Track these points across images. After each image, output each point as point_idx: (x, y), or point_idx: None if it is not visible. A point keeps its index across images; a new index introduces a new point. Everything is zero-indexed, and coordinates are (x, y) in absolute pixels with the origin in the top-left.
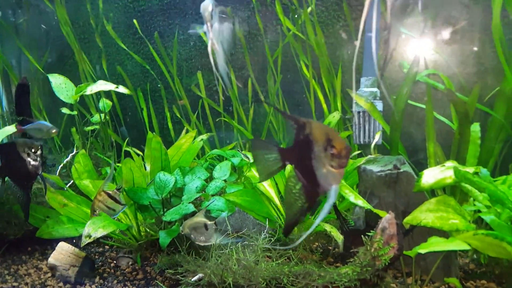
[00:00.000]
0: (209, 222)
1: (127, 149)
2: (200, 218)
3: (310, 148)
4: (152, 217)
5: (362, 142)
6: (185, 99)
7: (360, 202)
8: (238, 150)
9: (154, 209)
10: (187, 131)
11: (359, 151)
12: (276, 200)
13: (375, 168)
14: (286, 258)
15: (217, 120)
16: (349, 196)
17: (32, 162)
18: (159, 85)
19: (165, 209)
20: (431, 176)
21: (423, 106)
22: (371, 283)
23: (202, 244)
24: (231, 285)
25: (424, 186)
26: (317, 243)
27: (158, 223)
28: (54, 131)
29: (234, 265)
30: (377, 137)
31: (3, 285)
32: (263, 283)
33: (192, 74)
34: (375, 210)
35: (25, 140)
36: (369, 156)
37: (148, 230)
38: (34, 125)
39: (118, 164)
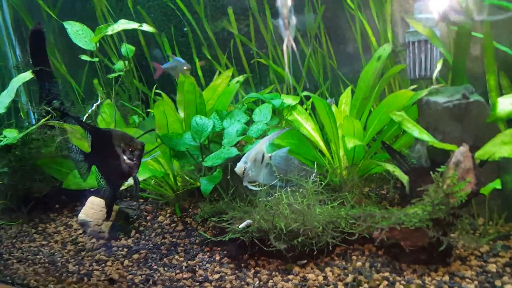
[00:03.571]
0: (267, 154)
1: (159, 92)
2: (261, 147)
3: None
4: (191, 164)
5: (417, 76)
6: (214, 42)
7: (426, 136)
8: (331, 102)
9: (192, 155)
10: (219, 74)
11: (414, 86)
12: (322, 144)
13: (440, 99)
14: (339, 204)
15: (252, 61)
16: (412, 131)
17: (127, 161)
18: (185, 29)
19: (203, 156)
20: (508, 103)
21: (479, 36)
22: (446, 222)
23: (250, 184)
24: (284, 230)
25: (501, 114)
26: (368, 188)
27: (196, 171)
28: (185, 67)
29: (285, 210)
30: (439, 66)
31: (31, 244)
32: (319, 227)
33: (223, 15)
34: (444, 145)
35: (125, 134)
36: (432, 86)
37: (188, 178)
38: (170, 63)
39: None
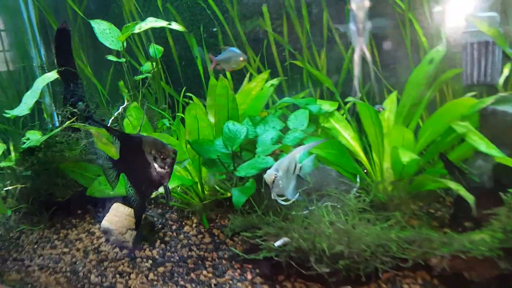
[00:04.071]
0: (299, 164)
1: (189, 96)
2: (295, 156)
3: None
4: (222, 173)
5: (475, 82)
6: (245, 42)
7: (495, 152)
8: (379, 108)
9: (222, 164)
10: (250, 77)
11: (473, 93)
12: (361, 155)
13: (510, 108)
14: (385, 222)
15: (285, 64)
16: (479, 145)
17: (158, 169)
18: (215, 29)
19: (235, 164)
20: None
21: None
22: None
23: (279, 198)
24: (327, 251)
25: None
26: (413, 206)
27: (226, 180)
28: (242, 58)
29: (328, 229)
30: (507, 71)
31: (52, 251)
32: (367, 251)
33: (254, 13)
34: None
35: (156, 140)
36: (500, 94)
37: (218, 188)
38: (224, 54)
39: (180, 114)
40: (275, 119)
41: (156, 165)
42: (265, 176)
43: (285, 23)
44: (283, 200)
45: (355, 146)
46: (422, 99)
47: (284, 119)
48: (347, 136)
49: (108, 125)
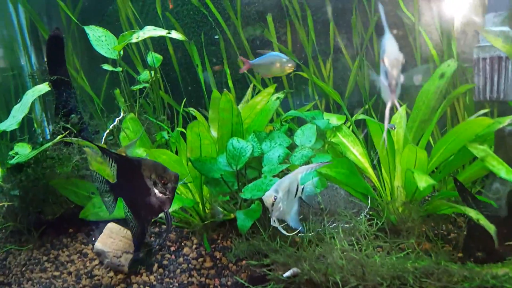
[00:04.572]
0: (301, 186)
1: (192, 111)
2: (297, 176)
3: None
4: (225, 193)
5: (488, 98)
6: (249, 51)
7: None
8: (391, 127)
9: (226, 183)
10: (254, 89)
11: (485, 110)
12: (370, 171)
13: None
14: (398, 248)
15: (290, 75)
16: (498, 170)
17: (158, 195)
18: (216, 37)
19: (239, 184)
20: None
21: None
22: None
23: (279, 225)
24: (340, 285)
25: None
26: (424, 228)
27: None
28: (290, 65)
29: (341, 259)
30: None
31: (42, 275)
32: (383, 285)
33: (256, 21)
34: None
35: (156, 164)
36: None
37: (222, 209)
38: (265, 59)
39: (180, 129)
40: (281, 135)
41: (156, 191)
42: (263, 197)
43: (289, 32)
44: (284, 228)
45: (364, 162)
46: (432, 114)
47: (289, 133)
48: (356, 152)
49: (103, 138)
